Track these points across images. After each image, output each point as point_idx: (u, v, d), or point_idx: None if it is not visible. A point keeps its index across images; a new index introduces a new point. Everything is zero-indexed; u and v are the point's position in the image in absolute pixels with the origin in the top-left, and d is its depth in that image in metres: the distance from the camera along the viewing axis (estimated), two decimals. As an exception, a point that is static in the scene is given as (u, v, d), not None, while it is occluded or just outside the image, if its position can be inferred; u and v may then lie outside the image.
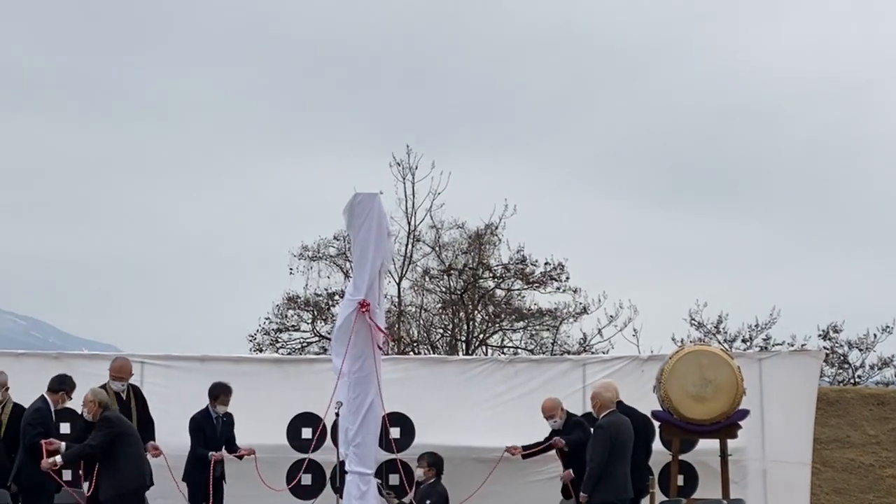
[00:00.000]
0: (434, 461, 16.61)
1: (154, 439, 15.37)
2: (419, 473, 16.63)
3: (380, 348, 16.16)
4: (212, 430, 15.94)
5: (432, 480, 16.44)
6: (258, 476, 16.29)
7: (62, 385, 14.95)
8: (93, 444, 13.70)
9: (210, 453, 15.71)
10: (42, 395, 14.91)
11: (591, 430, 15.46)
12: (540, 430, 16.28)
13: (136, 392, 15.56)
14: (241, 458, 16.09)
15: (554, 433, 16.08)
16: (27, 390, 15.16)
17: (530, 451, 16.29)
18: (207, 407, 16.02)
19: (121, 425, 13.76)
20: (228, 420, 16.14)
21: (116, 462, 13.60)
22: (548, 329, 34.72)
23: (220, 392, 16.02)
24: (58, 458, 13.79)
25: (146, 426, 15.40)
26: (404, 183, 33.50)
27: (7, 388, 14.90)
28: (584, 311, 34.10)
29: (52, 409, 14.85)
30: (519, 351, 33.58)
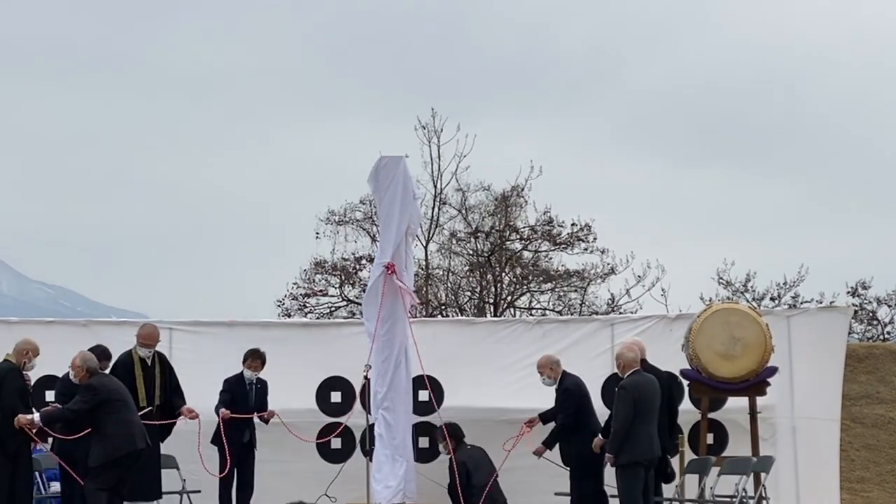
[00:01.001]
0: (449, 433, 16.58)
1: (185, 403, 15.43)
2: (441, 448, 16.66)
3: (408, 311, 16.21)
4: (243, 394, 15.98)
5: (454, 449, 16.47)
6: (288, 442, 16.37)
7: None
8: (72, 408, 13.75)
9: (221, 410, 15.75)
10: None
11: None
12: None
13: (162, 359, 15.60)
14: (266, 421, 16.15)
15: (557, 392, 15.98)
16: (57, 358, 15.20)
17: (544, 418, 16.20)
18: (242, 372, 16.09)
19: (105, 392, 13.71)
20: (262, 387, 16.19)
21: (104, 429, 13.62)
22: (575, 290, 34.74)
23: (247, 356, 16.08)
24: (35, 418, 13.92)
25: (174, 392, 15.44)
26: (429, 146, 33.54)
27: (29, 355, 14.79)
28: (612, 271, 34.12)
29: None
30: (547, 312, 33.59)
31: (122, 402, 13.82)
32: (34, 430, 14.04)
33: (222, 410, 15.71)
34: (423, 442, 17.08)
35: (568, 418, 15.48)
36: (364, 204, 33.58)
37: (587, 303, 34.53)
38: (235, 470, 15.85)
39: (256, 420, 16.09)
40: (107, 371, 14.93)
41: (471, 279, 35.06)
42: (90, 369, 13.89)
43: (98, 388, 13.72)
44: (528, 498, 16.54)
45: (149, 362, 15.29)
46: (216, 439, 15.76)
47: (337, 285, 34.61)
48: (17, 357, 14.56)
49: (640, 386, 14.18)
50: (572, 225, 34.13)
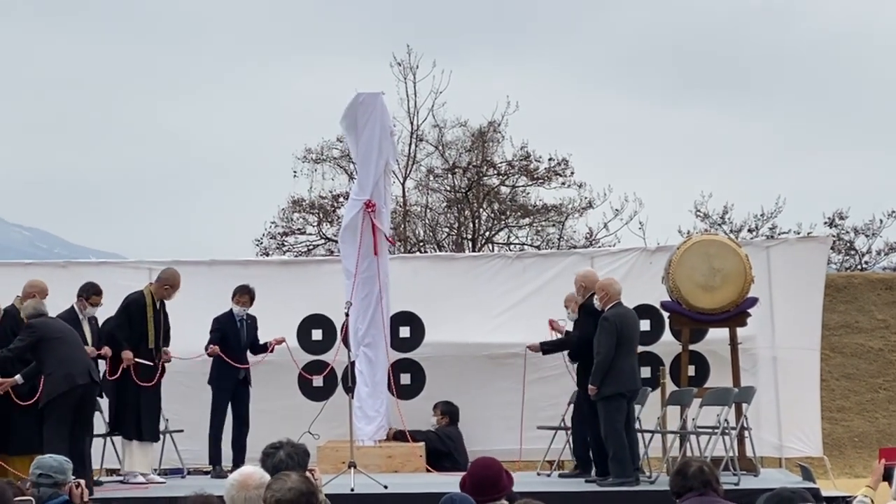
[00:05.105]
0: (448, 410, 16.73)
1: (168, 346, 15.33)
2: (433, 421, 16.74)
3: (390, 243, 16.24)
4: (234, 331, 15.88)
5: (447, 425, 16.61)
6: (270, 380, 16.39)
7: (81, 292, 14.94)
8: (11, 347, 13.55)
9: (209, 347, 15.69)
10: (72, 305, 14.93)
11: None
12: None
13: (163, 305, 15.45)
14: (272, 350, 16.13)
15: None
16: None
17: (549, 348, 16.07)
18: (231, 309, 15.98)
19: (42, 330, 13.53)
20: (252, 322, 16.10)
21: (45, 368, 13.48)
22: (553, 225, 34.72)
23: (236, 292, 15.94)
24: None
25: (165, 335, 15.32)
26: (405, 83, 33.39)
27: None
28: (590, 205, 34.10)
29: (81, 317, 14.81)
30: (525, 247, 33.58)
31: (60, 339, 13.58)
32: None
33: (212, 347, 15.64)
34: (405, 378, 17.09)
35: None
36: (341, 142, 33.44)
37: (565, 237, 34.55)
38: (231, 408, 15.79)
39: (250, 357, 16.01)
40: (93, 308, 14.86)
41: (448, 215, 35.03)
42: (28, 315, 13.69)
43: (35, 326, 13.52)
44: (508, 434, 16.66)
45: (157, 306, 15.19)
46: (212, 380, 15.74)
47: (315, 223, 34.55)
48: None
49: (623, 318, 14.20)
50: (549, 160, 34.08)
